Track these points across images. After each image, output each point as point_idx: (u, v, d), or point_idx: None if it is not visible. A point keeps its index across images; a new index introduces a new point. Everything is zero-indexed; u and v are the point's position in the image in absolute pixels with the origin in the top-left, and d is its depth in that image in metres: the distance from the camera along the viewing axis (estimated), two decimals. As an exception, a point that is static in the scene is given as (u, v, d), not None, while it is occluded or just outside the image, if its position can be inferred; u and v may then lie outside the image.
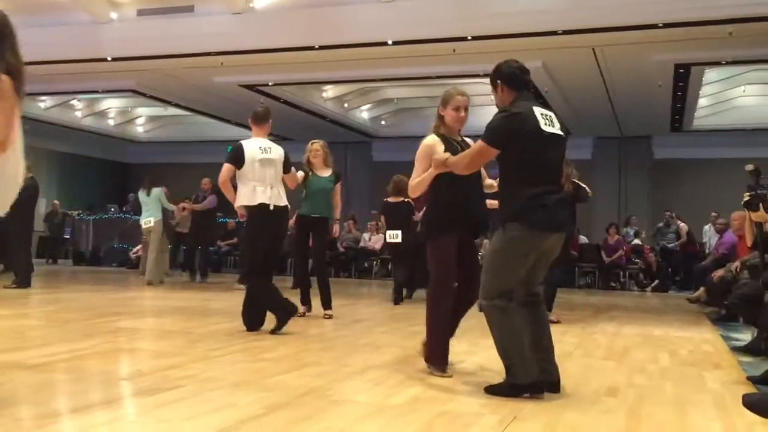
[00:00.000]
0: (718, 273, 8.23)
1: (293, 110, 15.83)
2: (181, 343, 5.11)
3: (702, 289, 9.57)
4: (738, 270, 7.70)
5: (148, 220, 11.08)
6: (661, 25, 9.86)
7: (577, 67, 12.22)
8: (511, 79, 3.69)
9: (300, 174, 6.67)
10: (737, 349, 5.56)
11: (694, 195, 17.09)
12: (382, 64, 12.55)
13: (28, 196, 9.50)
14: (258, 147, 5.73)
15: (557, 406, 3.40)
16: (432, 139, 4.12)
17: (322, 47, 11.53)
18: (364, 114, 18.36)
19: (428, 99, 17.17)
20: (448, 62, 12.02)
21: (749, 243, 5.85)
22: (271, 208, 5.66)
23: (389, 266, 14.82)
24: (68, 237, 18.57)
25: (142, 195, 11.30)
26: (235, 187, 5.73)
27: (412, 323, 6.81)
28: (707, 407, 3.55)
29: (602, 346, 5.66)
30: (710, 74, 13.65)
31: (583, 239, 14.85)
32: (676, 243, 14.47)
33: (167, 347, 5.01)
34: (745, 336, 6.44)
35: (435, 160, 3.89)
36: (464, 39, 10.77)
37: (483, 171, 4.31)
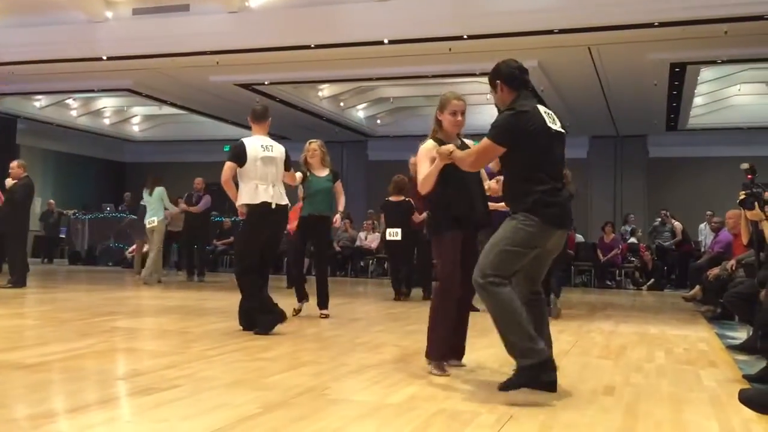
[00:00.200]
0: (714, 271, 8.24)
1: (289, 109, 15.83)
2: (178, 343, 5.11)
3: (697, 287, 9.58)
4: (733, 268, 7.72)
5: (152, 219, 11.18)
6: (656, 24, 9.89)
7: (573, 66, 12.23)
8: (510, 78, 3.70)
9: (299, 175, 6.66)
10: (733, 348, 5.57)
11: (690, 193, 17.16)
12: (377, 63, 12.55)
13: (23, 196, 9.49)
14: (260, 145, 5.67)
15: (554, 404, 3.40)
16: (430, 143, 4.14)
17: (317, 46, 11.52)
18: (359, 113, 18.36)
19: (424, 98, 17.20)
20: (444, 61, 12.02)
21: (745, 241, 5.86)
22: (273, 206, 5.63)
23: (385, 265, 14.85)
24: (64, 236, 18.54)
25: (145, 194, 11.41)
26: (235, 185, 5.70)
27: (409, 322, 6.82)
28: (703, 405, 3.56)
29: (599, 345, 5.67)
30: (706, 73, 13.68)
31: (579, 238, 14.87)
32: (672, 242, 14.50)
33: (164, 347, 5.00)
34: (741, 334, 6.46)
35: (440, 152, 3.89)
36: (460, 38, 10.77)
37: (483, 173, 4.33)
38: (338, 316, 7.03)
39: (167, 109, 18.25)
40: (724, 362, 4.99)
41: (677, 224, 14.56)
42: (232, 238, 16.11)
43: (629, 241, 14.75)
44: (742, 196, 4.93)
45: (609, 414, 3.31)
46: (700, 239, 14.48)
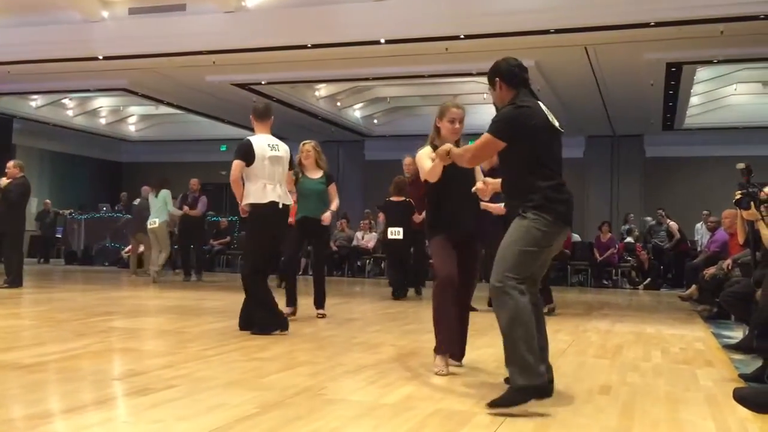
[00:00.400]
0: (710, 271, 8.26)
1: (286, 109, 15.80)
2: (174, 343, 5.11)
3: (694, 286, 9.59)
4: (729, 268, 7.73)
5: (153, 221, 11.27)
6: (653, 24, 9.90)
7: (570, 66, 12.24)
8: (510, 76, 3.68)
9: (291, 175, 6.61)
10: (729, 347, 5.58)
11: (686, 193, 17.18)
12: (374, 63, 12.54)
13: (19, 195, 9.47)
14: (266, 144, 5.61)
15: (550, 404, 3.40)
16: (427, 149, 4.23)
17: (314, 46, 11.51)
18: (356, 113, 18.36)
19: (421, 98, 17.21)
20: (441, 61, 12.02)
21: (741, 241, 5.87)
22: (280, 206, 5.60)
23: (382, 265, 14.86)
24: (60, 236, 18.50)
25: (150, 196, 11.56)
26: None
27: (405, 322, 6.83)
28: (699, 404, 3.57)
29: (595, 344, 5.68)
30: (702, 73, 13.70)
31: (575, 237, 14.89)
32: (670, 244, 14.47)
33: (160, 347, 5.00)
34: (737, 334, 6.48)
35: (438, 154, 3.89)
36: (457, 38, 10.78)
37: (479, 171, 4.37)
38: (335, 316, 7.03)
39: (163, 109, 18.23)
40: (721, 361, 5.00)
41: (673, 224, 14.58)
42: (228, 238, 16.12)
43: (626, 241, 14.76)
44: (738, 196, 4.93)
45: (605, 413, 3.31)
46: (696, 239, 14.50)
